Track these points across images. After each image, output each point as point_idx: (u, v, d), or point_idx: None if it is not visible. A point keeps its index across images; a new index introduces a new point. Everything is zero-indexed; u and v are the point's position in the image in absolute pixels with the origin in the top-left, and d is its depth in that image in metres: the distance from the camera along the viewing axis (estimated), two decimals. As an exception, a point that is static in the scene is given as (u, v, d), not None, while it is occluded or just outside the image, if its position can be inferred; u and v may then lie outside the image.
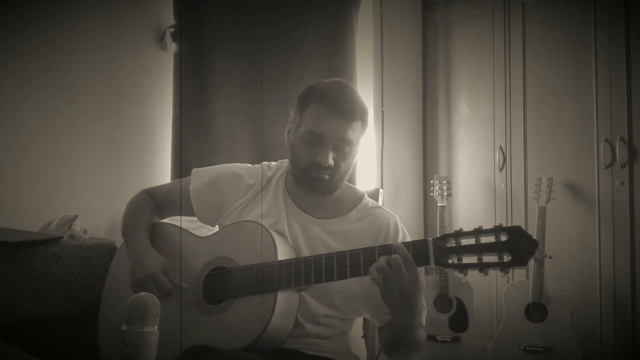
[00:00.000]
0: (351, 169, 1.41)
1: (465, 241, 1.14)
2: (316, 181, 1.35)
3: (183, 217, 1.57)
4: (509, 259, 1.11)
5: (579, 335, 2.44)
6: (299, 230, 1.39)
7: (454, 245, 1.15)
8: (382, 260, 1.16)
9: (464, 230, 1.16)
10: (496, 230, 1.14)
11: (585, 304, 2.62)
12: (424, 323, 1.30)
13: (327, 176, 1.34)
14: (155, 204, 1.56)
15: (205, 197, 1.49)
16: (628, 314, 2.55)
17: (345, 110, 1.32)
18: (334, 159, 1.33)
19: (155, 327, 0.89)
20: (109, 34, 2.45)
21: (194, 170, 1.54)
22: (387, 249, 1.19)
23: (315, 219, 1.41)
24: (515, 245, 1.11)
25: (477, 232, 1.14)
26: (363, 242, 1.32)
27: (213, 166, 1.56)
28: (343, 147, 1.34)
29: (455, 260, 1.15)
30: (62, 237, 1.79)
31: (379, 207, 1.47)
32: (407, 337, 1.26)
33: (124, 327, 0.88)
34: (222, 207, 1.47)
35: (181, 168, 2.55)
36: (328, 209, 1.42)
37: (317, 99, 1.35)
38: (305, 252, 1.36)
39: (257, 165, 1.53)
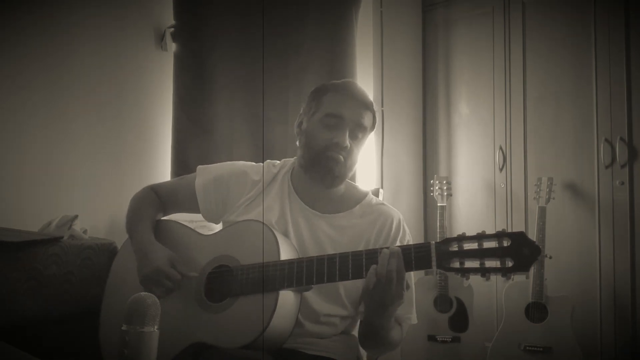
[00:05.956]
0: (356, 164, 1.44)
1: (467, 245, 1.15)
2: (332, 161, 1.37)
3: (185, 216, 1.58)
4: (511, 264, 1.12)
5: (579, 335, 2.44)
6: (304, 224, 1.41)
7: (456, 249, 1.15)
8: (382, 266, 1.16)
9: (467, 234, 1.16)
10: (499, 235, 1.14)
11: (585, 304, 2.62)
12: (406, 322, 1.36)
13: (342, 157, 1.37)
14: (159, 200, 1.56)
15: (211, 193, 1.49)
16: (628, 314, 2.55)
17: (361, 98, 1.41)
18: (349, 142, 1.38)
19: (155, 327, 0.89)
20: (109, 34, 2.45)
21: (199, 167, 1.55)
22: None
23: (320, 214, 1.42)
24: (518, 251, 1.12)
25: (480, 237, 1.14)
26: (367, 237, 1.37)
27: (217, 164, 1.57)
28: (357, 133, 1.40)
29: (458, 265, 1.15)
30: (62, 237, 1.79)
31: (383, 204, 1.49)
32: (378, 335, 1.31)
33: (124, 327, 0.88)
34: (227, 204, 1.48)
35: (173, 165, 2.55)
36: (333, 204, 1.44)
37: (334, 89, 1.43)
38: (310, 247, 1.37)
39: (261, 163, 1.54)
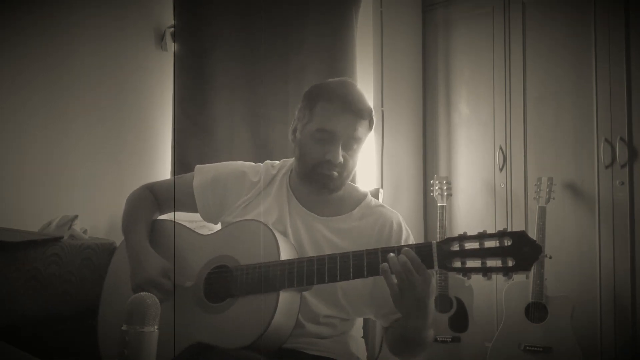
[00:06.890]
0: (355, 167, 1.42)
1: (469, 245, 1.14)
2: (325, 178, 1.35)
3: (185, 216, 1.57)
4: (512, 264, 1.11)
5: (579, 335, 2.44)
6: (303, 227, 1.39)
7: (457, 249, 1.15)
8: (394, 264, 1.15)
9: (468, 234, 1.15)
10: (500, 234, 1.13)
11: (585, 304, 2.62)
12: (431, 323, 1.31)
13: (336, 173, 1.35)
14: (155, 200, 1.55)
15: (209, 193, 1.48)
16: (628, 314, 2.55)
17: (355, 108, 1.35)
18: (342, 156, 1.34)
19: (155, 327, 0.89)
20: (109, 34, 2.45)
21: (197, 166, 1.54)
22: (390, 251, 1.18)
23: (319, 217, 1.41)
24: (519, 251, 1.11)
25: (481, 237, 1.14)
26: (367, 240, 1.34)
27: (216, 163, 1.56)
28: (352, 145, 1.36)
29: (459, 264, 1.14)
30: (62, 237, 1.79)
31: (382, 205, 1.47)
32: (417, 338, 1.27)
33: (123, 327, 0.88)
34: (225, 204, 1.47)
35: (173, 165, 2.55)
36: (332, 206, 1.43)
37: (327, 97, 1.36)
38: (309, 250, 1.36)
39: (260, 163, 1.53)
